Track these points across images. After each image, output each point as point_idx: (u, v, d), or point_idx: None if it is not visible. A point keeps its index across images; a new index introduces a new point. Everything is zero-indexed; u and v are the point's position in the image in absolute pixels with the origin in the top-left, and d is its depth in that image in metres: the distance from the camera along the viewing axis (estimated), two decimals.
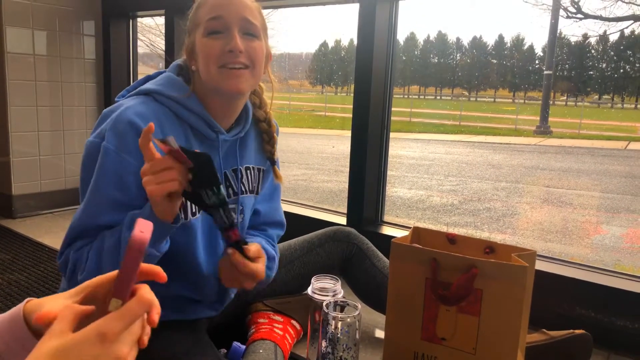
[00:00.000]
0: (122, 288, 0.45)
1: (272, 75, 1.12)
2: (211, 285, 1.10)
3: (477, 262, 0.92)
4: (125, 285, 0.46)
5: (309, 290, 1.10)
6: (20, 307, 0.53)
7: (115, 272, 0.50)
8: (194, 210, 1.01)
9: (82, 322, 0.47)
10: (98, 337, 0.43)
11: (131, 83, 2.73)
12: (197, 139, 1.02)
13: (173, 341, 1.03)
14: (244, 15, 0.98)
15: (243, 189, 1.12)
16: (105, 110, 1.00)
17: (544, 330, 1.15)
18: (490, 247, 1.04)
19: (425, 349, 0.99)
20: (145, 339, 0.48)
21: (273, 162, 1.18)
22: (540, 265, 1.45)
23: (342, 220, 1.90)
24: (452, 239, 1.09)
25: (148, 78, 1.08)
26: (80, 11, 2.56)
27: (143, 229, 0.46)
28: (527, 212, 4.89)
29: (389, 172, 1.91)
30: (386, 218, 1.93)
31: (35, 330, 0.52)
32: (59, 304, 0.49)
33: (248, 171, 1.13)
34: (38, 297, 0.55)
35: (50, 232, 2.23)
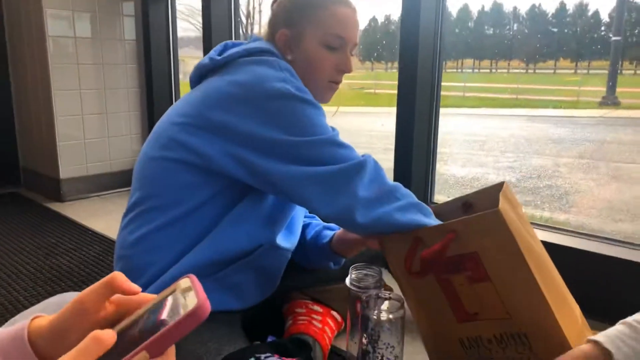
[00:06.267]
0: (161, 348, 0.39)
1: None
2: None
3: (453, 224, 0.84)
4: (166, 346, 0.40)
5: (347, 281, 0.99)
6: (24, 325, 0.50)
7: (149, 299, 0.46)
8: None
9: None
10: None
11: (172, 64, 2.72)
12: None
13: (204, 337, 0.95)
14: (356, 40, 1.03)
15: None
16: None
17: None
18: (465, 202, 0.98)
19: (467, 332, 0.89)
20: None
21: None
22: (612, 251, 1.30)
23: None
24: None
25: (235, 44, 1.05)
26: None
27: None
28: (593, 190, 4.54)
29: (440, 150, 1.76)
30: (438, 198, 1.78)
31: (38, 351, 0.49)
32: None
33: None
34: (75, 281, 0.51)
35: (95, 215, 2.24)
